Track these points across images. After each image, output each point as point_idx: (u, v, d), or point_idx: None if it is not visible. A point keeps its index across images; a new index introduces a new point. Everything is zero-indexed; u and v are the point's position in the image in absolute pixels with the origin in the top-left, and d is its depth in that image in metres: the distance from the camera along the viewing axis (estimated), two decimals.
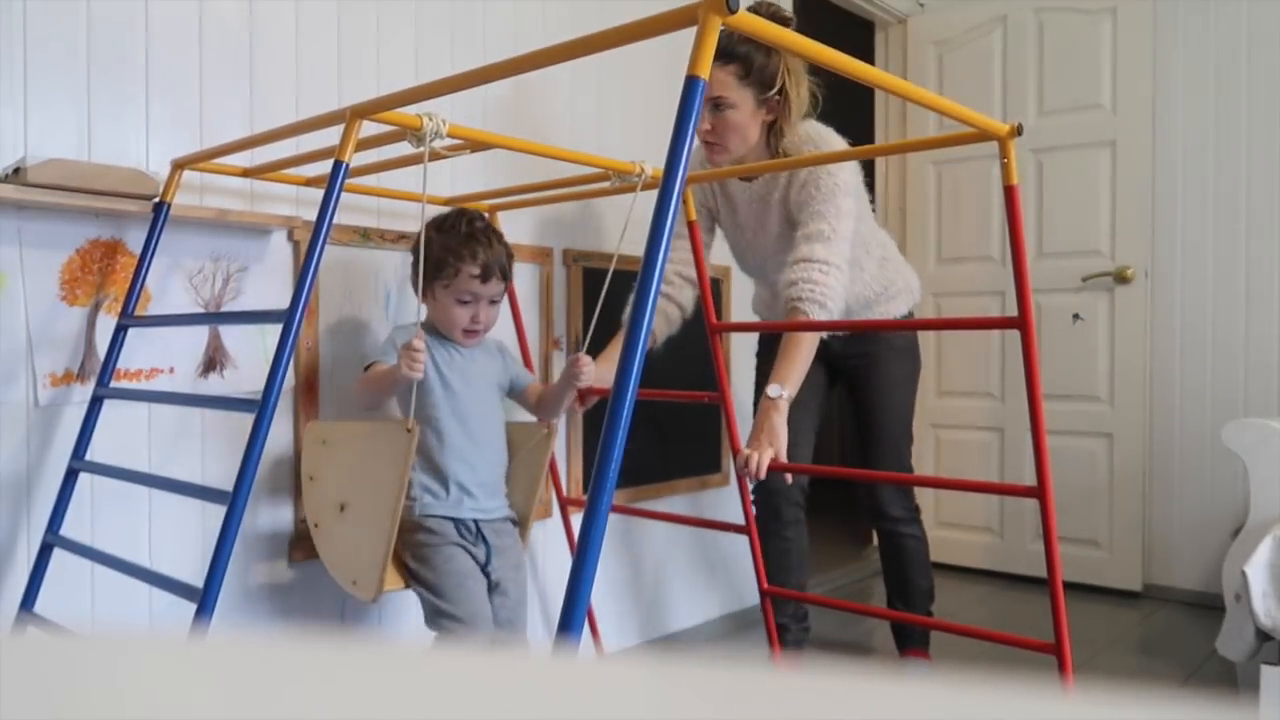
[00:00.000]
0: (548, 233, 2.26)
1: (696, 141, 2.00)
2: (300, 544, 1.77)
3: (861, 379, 2.21)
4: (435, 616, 1.57)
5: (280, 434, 1.76)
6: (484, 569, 1.64)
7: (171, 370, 1.65)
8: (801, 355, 1.80)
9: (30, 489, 1.50)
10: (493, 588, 1.65)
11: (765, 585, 1.97)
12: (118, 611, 1.59)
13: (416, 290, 1.61)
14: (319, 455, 1.60)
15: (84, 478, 1.52)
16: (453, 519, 1.62)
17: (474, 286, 1.63)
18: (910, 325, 2.03)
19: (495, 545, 1.65)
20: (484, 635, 1.57)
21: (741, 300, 2.80)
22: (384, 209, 1.92)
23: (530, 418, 1.87)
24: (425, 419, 1.62)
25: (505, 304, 2.05)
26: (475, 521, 1.64)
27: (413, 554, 1.61)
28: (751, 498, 2.12)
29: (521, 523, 1.76)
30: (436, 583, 1.57)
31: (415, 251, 1.61)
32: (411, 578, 1.61)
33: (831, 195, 1.86)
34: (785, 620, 2.19)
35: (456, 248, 1.62)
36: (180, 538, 1.66)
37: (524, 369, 1.86)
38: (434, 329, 1.68)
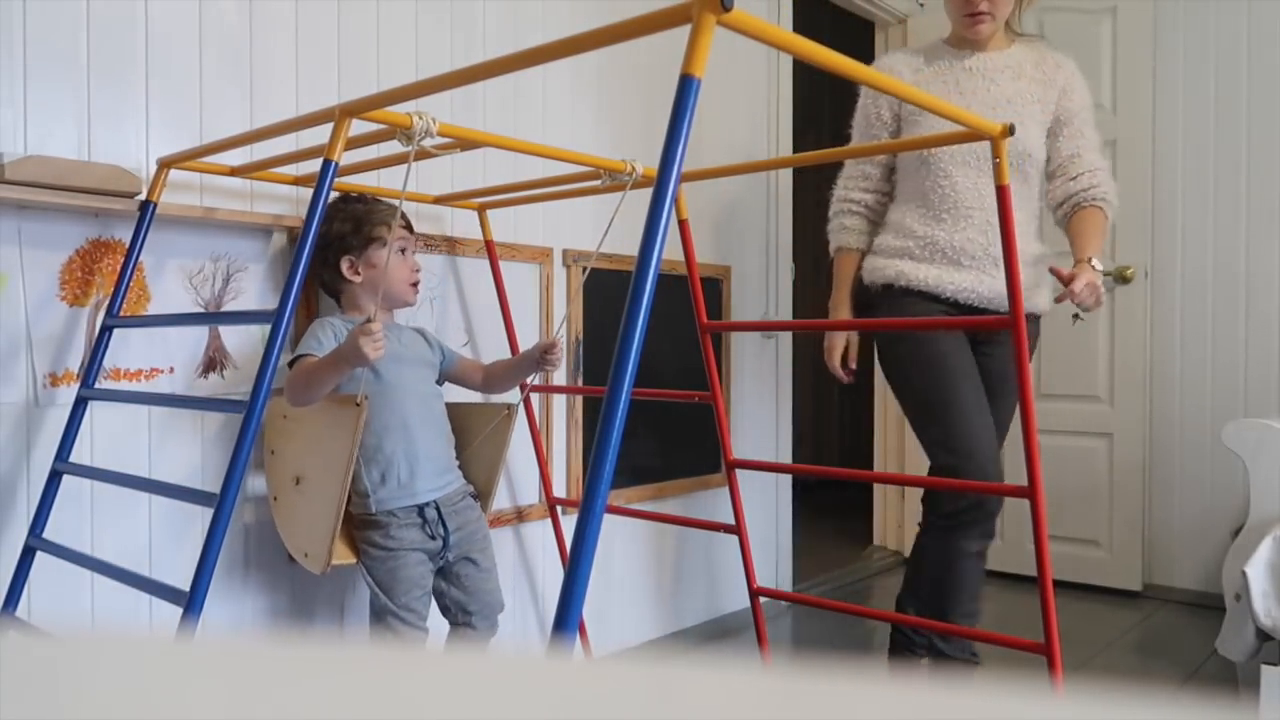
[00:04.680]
0: (548, 233, 2.26)
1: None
2: None
3: (997, 363, 2.02)
4: (381, 613, 1.61)
5: None
6: (443, 553, 1.65)
7: (171, 370, 1.66)
8: (1105, 234, 1.98)
9: (31, 490, 1.51)
10: (456, 562, 1.67)
11: (755, 586, 1.96)
12: (119, 616, 1.59)
13: (339, 272, 1.63)
14: (280, 429, 1.64)
15: (86, 481, 1.52)
16: (414, 506, 1.61)
17: (403, 234, 1.67)
18: (908, 324, 2.01)
19: (455, 524, 1.66)
20: (421, 641, 1.62)
21: (741, 300, 2.80)
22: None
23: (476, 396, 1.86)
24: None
25: (495, 303, 2.06)
26: (436, 506, 1.64)
27: (367, 551, 1.62)
28: (945, 507, 1.95)
29: (483, 497, 1.77)
30: (387, 584, 1.60)
31: (330, 234, 1.63)
32: (365, 568, 1.63)
33: (1091, 113, 2.04)
34: (918, 641, 2.06)
35: (370, 211, 1.65)
36: (180, 540, 1.66)
37: (450, 347, 1.82)
38: (358, 314, 1.65)
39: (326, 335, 1.56)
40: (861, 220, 2.12)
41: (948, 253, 1.96)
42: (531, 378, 1.79)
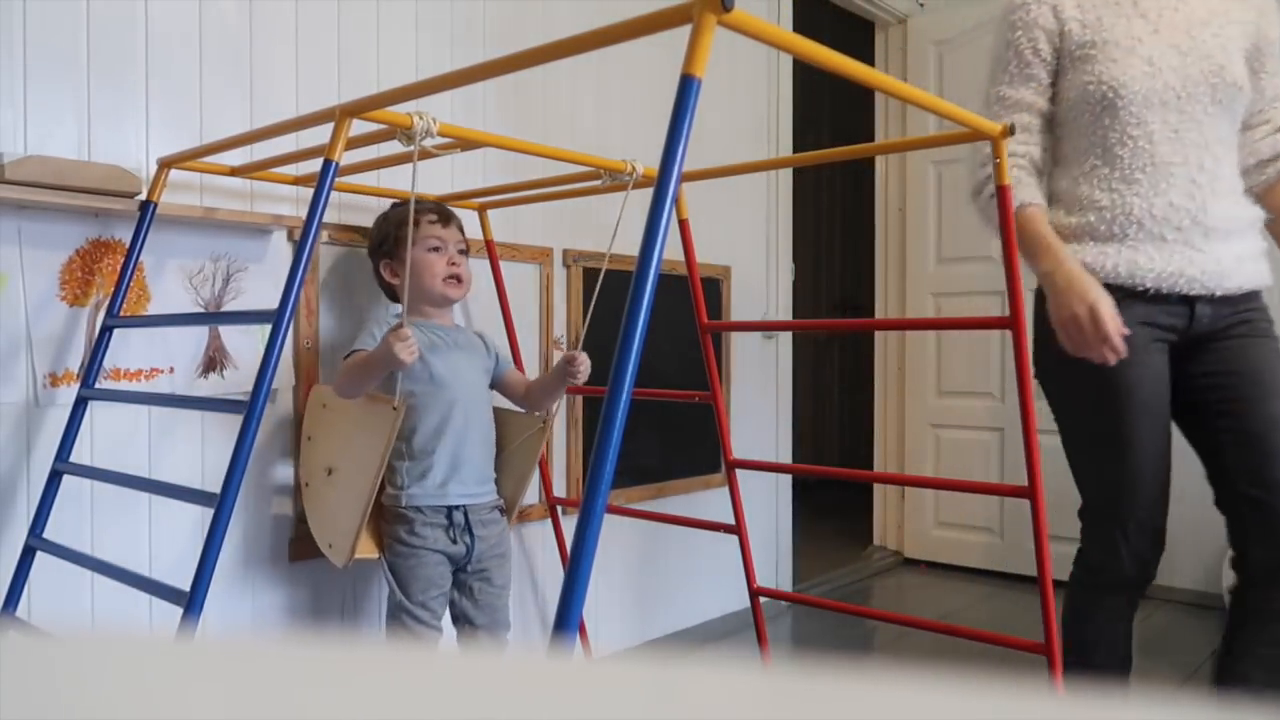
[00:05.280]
0: (548, 233, 2.26)
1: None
2: (300, 543, 1.77)
3: (1239, 359, 1.57)
4: (396, 609, 1.62)
5: (279, 434, 1.77)
6: (464, 561, 1.66)
7: (171, 370, 1.66)
8: None
9: (31, 490, 1.51)
10: (473, 574, 1.68)
11: (755, 586, 1.97)
12: (119, 616, 1.59)
13: (380, 270, 1.70)
14: (318, 417, 1.67)
15: (86, 480, 1.52)
16: (443, 507, 1.63)
17: (436, 230, 1.69)
18: (908, 325, 2.01)
19: (480, 535, 1.67)
20: (434, 640, 1.63)
21: (741, 300, 2.80)
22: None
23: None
24: (411, 405, 1.62)
25: (495, 303, 2.06)
26: (465, 512, 1.65)
27: (392, 546, 1.63)
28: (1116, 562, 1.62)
29: (509, 508, 1.78)
30: (405, 581, 1.61)
31: (377, 235, 1.71)
32: (386, 563, 1.64)
33: None
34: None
35: (403, 214, 1.67)
36: (180, 539, 1.66)
37: (507, 355, 1.85)
38: (415, 315, 1.68)
39: (381, 332, 1.58)
40: (1031, 174, 1.62)
41: (1145, 224, 1.52)
42: (563, 391, 1.79)
